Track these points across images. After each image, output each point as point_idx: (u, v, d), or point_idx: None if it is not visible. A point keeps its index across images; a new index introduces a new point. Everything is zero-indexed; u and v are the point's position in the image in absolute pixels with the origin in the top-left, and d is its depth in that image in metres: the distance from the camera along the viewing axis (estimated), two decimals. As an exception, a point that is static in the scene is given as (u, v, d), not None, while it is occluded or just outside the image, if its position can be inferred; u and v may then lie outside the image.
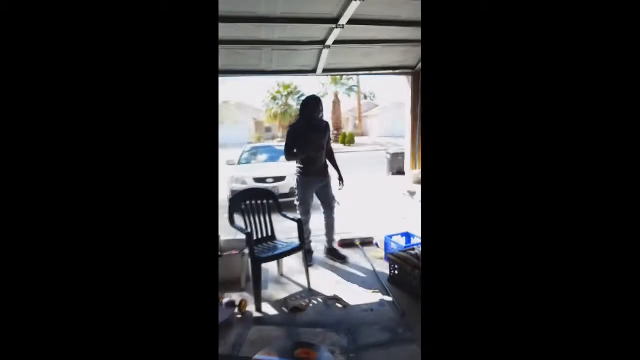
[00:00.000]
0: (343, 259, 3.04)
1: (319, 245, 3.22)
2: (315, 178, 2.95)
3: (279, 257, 2.53)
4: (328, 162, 3.08)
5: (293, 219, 2.68)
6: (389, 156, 8.16)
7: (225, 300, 2.28)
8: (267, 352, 1.17)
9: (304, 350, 1.20)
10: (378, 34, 3.87)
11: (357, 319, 2.14)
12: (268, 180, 5.33)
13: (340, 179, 3.16)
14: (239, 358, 1.76)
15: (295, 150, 2.86)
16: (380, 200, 5.51)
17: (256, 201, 2.71)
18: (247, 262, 2.70)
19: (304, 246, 2.59)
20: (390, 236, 3.03)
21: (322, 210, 3.12)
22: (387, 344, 1.89)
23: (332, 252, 3.12)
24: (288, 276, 2.80)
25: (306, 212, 2.97)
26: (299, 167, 2.95)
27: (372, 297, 2.43)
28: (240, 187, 5.06)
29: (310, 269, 2.68)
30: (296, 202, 3.03)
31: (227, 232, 2.99)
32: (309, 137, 2.87)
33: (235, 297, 2.36)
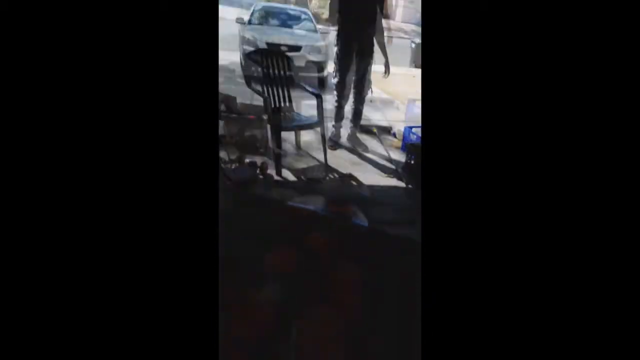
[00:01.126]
0: (363, 147, 2.98)
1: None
2: (359, 55, 2.67)
3: (297, 128, 2.48)
4: (375, 42, 2.74)
5: (313, 93, 2.53)
6: (413, 46, 7.42)
7: (247, 161, 2.33)
8: (300, 201, 1.19)
9: (338, 206, 1.24)
10: None
11: (370, 197, 2.26)
12: (282, 48, 4.86)
13: (387, 65, 2.88)
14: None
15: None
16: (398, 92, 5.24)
17: (273, 64, 2.49)
18: (265, 127, 2.66)
19: (322, 123, 2.52)
20: (410, 127, 2.97)
21: (352, 92, 2.85)
22: (396, 223, 2.05)
23: (353, 139, 3.02)
24: (306, 149, 2.82)
25: (344, 92, 2.76)
26: (342, 40, 2.62)
27: (385, 180, 2.52)
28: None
29: (328, 149, 2.68)
30: (334, 80, 2.80)
31: (243, 96, 2.86)
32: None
33: (257, 159, 2.40)
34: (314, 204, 1.13)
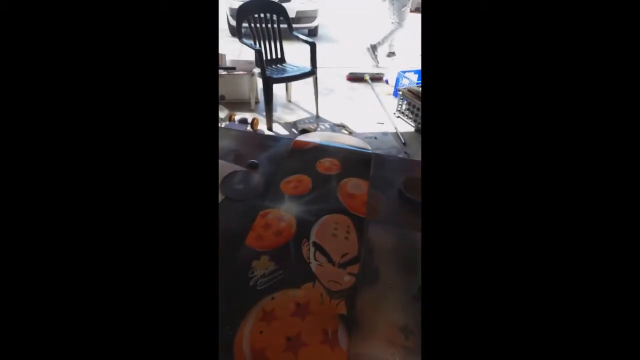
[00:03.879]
0: (376, 61, 3.80)
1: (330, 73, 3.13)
2: None
3: (290, 79, 2.48)
4: None
5: (306, 41, 2.49)
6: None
7: (237, 117, 2.37)
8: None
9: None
10: None
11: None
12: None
13: None
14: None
15: None
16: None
17: (265, 16, 2.43)
18: (256, 83, 2.67)
19: (315, 72, 2.51)
20: (404, 72, 2.93)
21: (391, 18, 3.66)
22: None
23: (373, 49, 3.83)
24: (296, 103, 2.83)
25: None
26: None
27: (377, 127, 2.55)
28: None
29: (319, 98, 2.69)
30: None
31: (231, 52, 2.82)
32: None
33: (248, 116, 2.44)
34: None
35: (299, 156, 0.85)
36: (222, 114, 2.44)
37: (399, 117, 2.70)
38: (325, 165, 0.82)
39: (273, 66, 2.54)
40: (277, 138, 0.95)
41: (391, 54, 4.07)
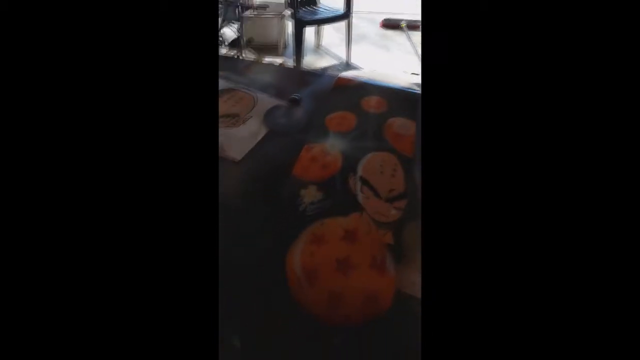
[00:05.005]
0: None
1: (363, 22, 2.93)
2: None
3: (322, 22, 2.34)
4: None
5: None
6: None
7: (265, 61, 2.30)
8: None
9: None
10: None
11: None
12: None
13: None
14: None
15: None
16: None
17: None
18: (285, 26, 2.54)
19: (349, 15, 2.35)
20: (444, 19, 2.70)
21: None
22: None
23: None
24: (326, 48, 2.70)
25: None
26: None
27: (410, 78, 2.43)
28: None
29: (351, 45, 2.55)
30: None
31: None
32: None
33: (276, 60, 2.36)
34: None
35: (342, 93, 0.82)
36: (251, 56, 2.36)
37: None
38: (371, 103, 0.79)
39: (305, 7, 2.39)
40: (319, 74, 0.91)
41: None
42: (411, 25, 3.08)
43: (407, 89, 0.84)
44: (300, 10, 2.31)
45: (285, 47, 2.63)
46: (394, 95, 0.82)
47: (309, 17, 2.23)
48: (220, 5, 2.28)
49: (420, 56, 2.67)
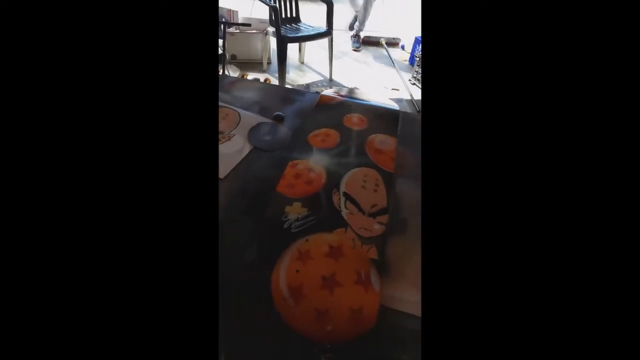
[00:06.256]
0: (358, 49, 3.13)
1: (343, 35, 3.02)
2: None
3: (305, 39, 2.39)
4: None
5: (323, 0, 2.37)
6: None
7: (249, 78, 2.32)
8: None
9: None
10: None
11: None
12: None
13: None
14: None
15: None
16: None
17: None
18: (269, 42, 2.58)
19: (331, 32, 2.41)
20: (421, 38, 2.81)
21: None
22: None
23: (356, 38, 3.18)
24: (309, 65, 2.76)
25: None
26: None
27: (391, 93, 2.50)
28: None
29: (333, 61, 2.61)
30: None
31: (243, 9, 2.71)
32: None
33: (259, 76, 2.38)
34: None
35: (325, 111, 0.84)
36: (234, 72, 2.38)
37: (414, 84, 2.63)
38: (353, 120, 0.81)
39: (288, 25, 2.44)
40: (302, 92, 0.93)
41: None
42: (390, 42, 3.20)
43: (386, 107, 0.87)
44: (283, 28, 2.36)
45: (269, 63, 2.67)
46: (374, 113, 0.84)
47: (291, 34, 2.28)
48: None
49: (399, 71, 2.76)
